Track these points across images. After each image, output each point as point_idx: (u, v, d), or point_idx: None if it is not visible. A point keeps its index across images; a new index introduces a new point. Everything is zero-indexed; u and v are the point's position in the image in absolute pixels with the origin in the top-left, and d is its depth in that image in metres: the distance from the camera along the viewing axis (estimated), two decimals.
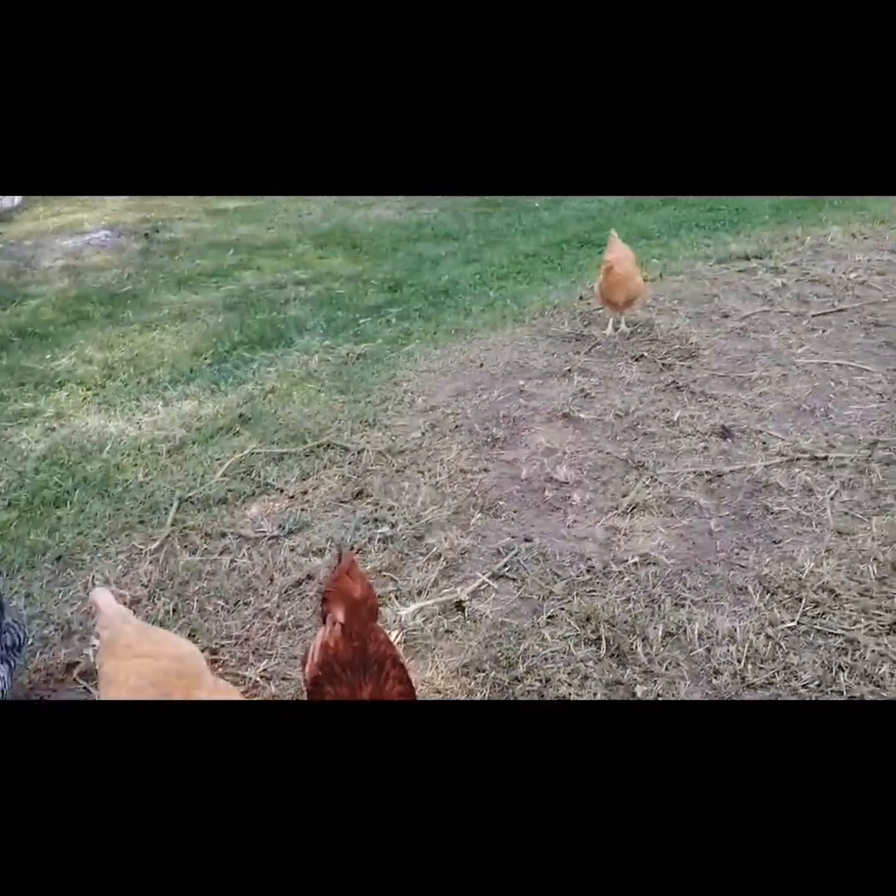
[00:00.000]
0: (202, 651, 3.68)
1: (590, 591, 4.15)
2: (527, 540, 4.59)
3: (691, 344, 6.78)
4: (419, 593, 4.26)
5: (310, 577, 4.45)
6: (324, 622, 3.19)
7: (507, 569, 4.38)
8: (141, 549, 4.84)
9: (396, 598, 4.24)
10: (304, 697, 3.13)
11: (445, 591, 4.26)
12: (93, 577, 4.64)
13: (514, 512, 4.88)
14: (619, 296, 6.69)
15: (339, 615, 3.01)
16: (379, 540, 4.70)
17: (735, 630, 3.78)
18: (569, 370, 6.54)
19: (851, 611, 3.87)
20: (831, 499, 4.72)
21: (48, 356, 7.76)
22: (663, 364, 6.52)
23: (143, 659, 3.05)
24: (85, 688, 3.88)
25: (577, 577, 4.25)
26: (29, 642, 3.37)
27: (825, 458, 5.11)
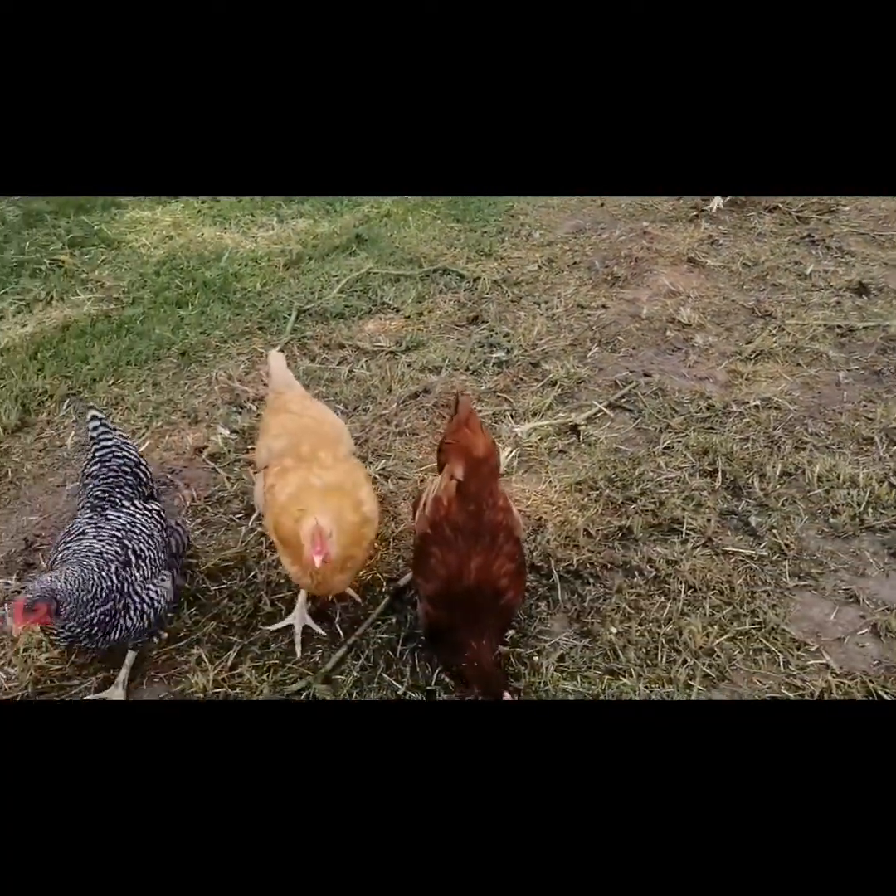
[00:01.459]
0: None
1: (708, 428, 4.11)
2: (646, 375, 4.54)
3: (831, 199, 6.36)
4: (534, 415, 4.29)
5: (427, 390, 4.51)
6: (439, 471, 3.05)
7: (624, 400, 4.36)
8: (262, 353, 4.96)
9: (512, 417, 4.28)
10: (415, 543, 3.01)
11: (560, 415, 4.28)
12: (216, 373, 4.80)
13: (633, 348, 4.80)
14: None
15: (458, 471, 2.83)
16: (494, 363, 4.71)
17: (857, 476, 3.72)
18: (696, 216, 6.24)
19: None
20: None
21: None
22: (799, 217, 6.15)
23: (289, 414, 3.26)
24: (213, 468, 4.09)
25: (696, 413, 4.21)
26: (189, 547, 3.29)
27: None
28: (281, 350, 4.94)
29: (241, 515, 3.78)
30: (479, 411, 4.34)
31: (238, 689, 2.96)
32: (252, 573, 3.44)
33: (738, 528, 3.53)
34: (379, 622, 3.19)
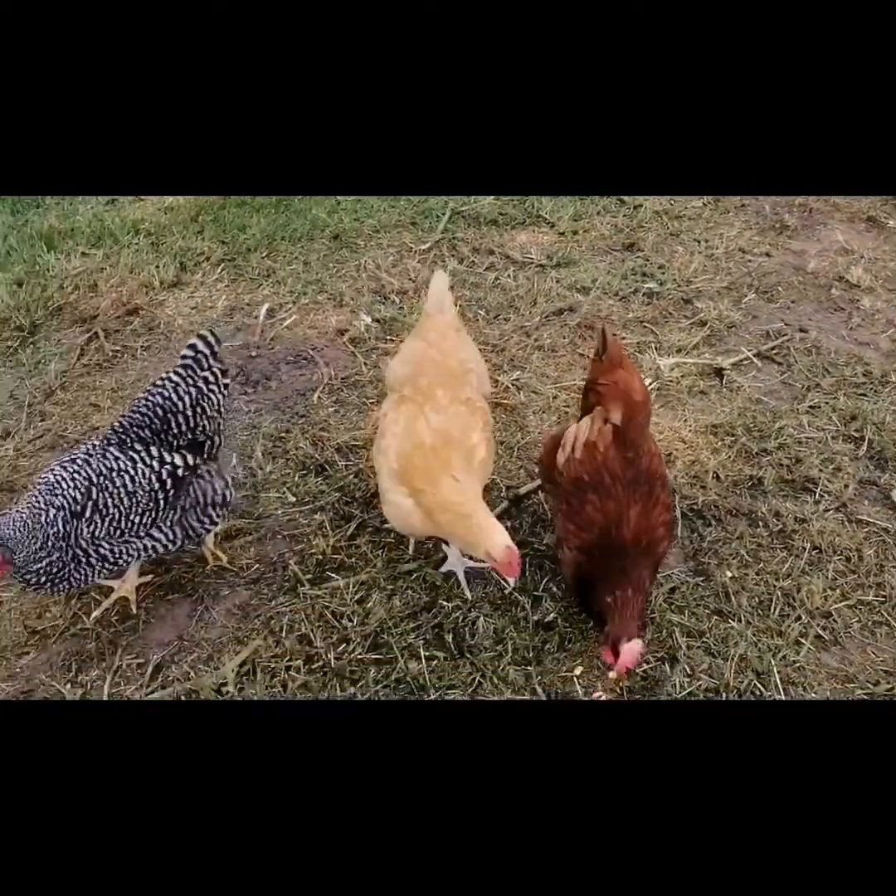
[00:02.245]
0: None
1: (860, 394, 3.91)
2: (801, 330, 4.33)
3: None
4: (678, 351, 4.17)
5: (572, 309, 4.44)
6: (583, 413, 2.87)
7: (774, 352, 4.18)
8: (411, 248, 4.97)
9: (656, 349, 4.18)
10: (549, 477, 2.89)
11: (706, 356, 4.15)
12: (365, 261, 4.84)
13: (792, 301, 4.57)
14: None
15: (615, 416, 2.68)
16: (644, 293, 4.58)
17: None
18: None
19: None
20: None
21: None
22: None
23: (419, 342, 3.12)
24: (352, 352, 4.17)
25: (851, 377, 4.00)
26: (229, 501, 2.92)
27: None
28: (430, 248, 4.95)
29: (373, 400, 3.86)
30: (623, 339, 4.26)
31: (354, 559, 3.08)
32: None
33: (877, 499, 3.38)
34: None
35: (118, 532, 2.67)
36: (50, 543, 2.52)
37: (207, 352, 2.85)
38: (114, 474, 2.66)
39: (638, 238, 5.06)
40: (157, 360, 4.16)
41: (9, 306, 4.40)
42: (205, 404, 2.83)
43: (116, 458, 2.70)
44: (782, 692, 2.65)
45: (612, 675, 2.59)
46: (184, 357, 2.85)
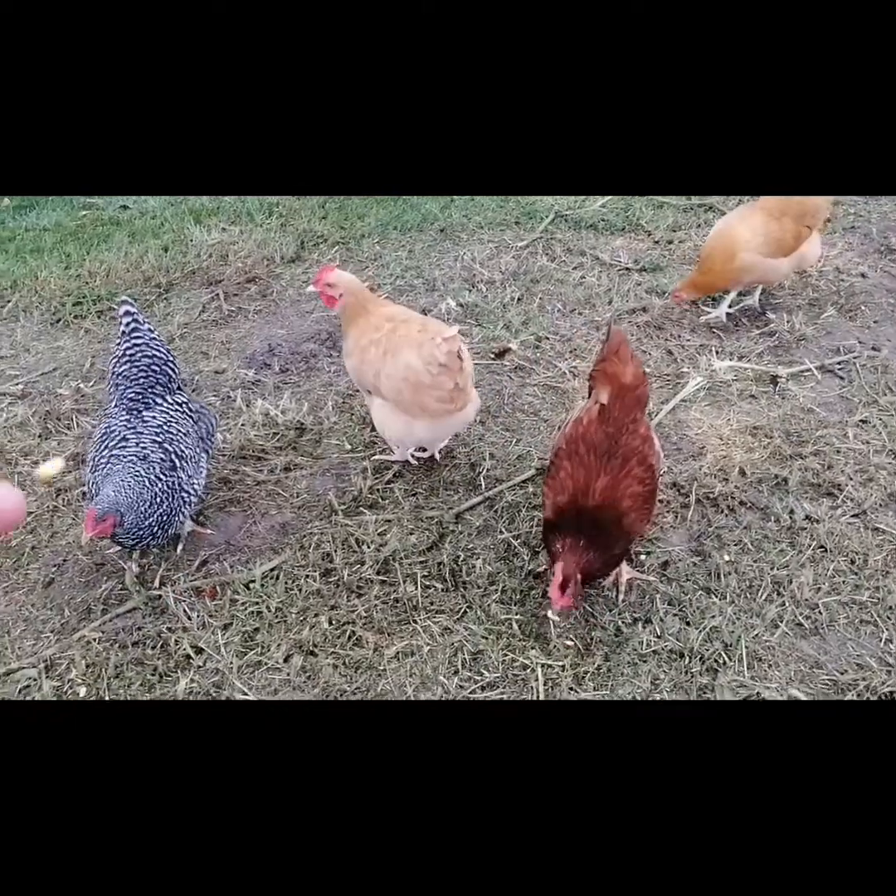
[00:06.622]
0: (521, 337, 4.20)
1: None
2: (874, 348, 4.33)
3: None
4: (740, 358, 4.30)
5: (645, 309, 4.65)
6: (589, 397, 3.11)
7: (839, 366, 4.22)
8: (509, 244, 5.34)
9: (716, 353, 4.32)
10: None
11: (768, 364, 4.25)
12: (463, 253, 5.26)
13: (874, 321, 4.57)
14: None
15: (603, 396, 2.91)
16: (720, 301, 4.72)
17: None
18: None
19: None
20: None
21: None
22: None
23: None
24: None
25: None
26: (216, 430, 3.40)
27: None
28: (527, 246, 5.29)
29: None
30: (687, 341, 4.44)
31: (386, 501, 3.48)
32: None
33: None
34: (517, 487, 3.54)
35: (196, 468, 3.14)
36: (159, 499, 2.95)
37: (136, 310, 3.17)
38: (165, 426, 3.07)
39: None
40: (264, 321, 4.75)
41: (154, 267, 5.15)
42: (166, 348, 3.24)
43: (154, 417, 3.09)
44: (745, 665, 2.81)
45: (551, 614, 2.89)
46: (127, 324, 3.13)
